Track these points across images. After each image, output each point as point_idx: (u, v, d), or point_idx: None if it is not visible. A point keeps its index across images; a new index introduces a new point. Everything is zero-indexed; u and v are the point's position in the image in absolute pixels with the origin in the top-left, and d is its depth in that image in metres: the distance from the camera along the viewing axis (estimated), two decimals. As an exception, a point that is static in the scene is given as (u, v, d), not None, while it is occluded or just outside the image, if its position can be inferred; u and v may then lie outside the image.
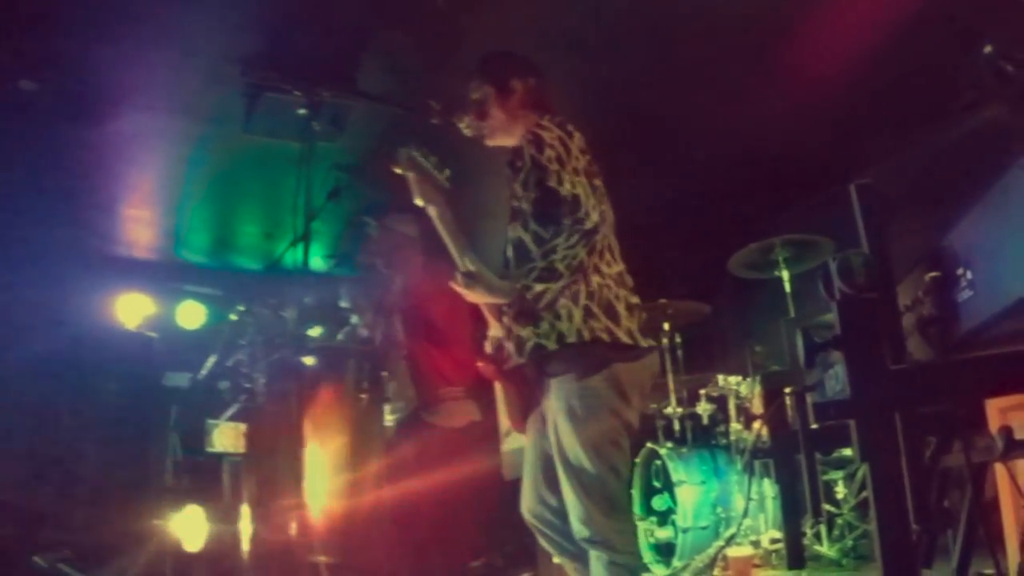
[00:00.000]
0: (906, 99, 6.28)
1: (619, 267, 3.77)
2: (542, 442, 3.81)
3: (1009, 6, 4.85)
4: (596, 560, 3.62)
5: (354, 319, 5.92)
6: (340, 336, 5.88)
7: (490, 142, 4.01)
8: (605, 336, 3.57)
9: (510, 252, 3.76)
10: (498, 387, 4.09)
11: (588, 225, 3.53)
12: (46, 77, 5.59)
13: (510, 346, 3.68)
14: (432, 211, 3.94)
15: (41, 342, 7.02)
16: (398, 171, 4.03)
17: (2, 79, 5.50)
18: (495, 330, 3.84)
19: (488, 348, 3.90)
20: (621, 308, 3.65)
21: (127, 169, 7.14)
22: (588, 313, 3.58)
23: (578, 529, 3.61)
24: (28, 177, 6.64)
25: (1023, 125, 1.67)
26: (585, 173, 3.61)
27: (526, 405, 3.82)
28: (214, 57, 5.60)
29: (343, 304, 5.93)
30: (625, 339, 3.60)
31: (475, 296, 3.72)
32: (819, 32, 5.52)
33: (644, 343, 3.67)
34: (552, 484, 3.72)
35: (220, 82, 5.80)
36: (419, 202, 3.96)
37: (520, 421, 3.85)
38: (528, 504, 3.86)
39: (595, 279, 3.64)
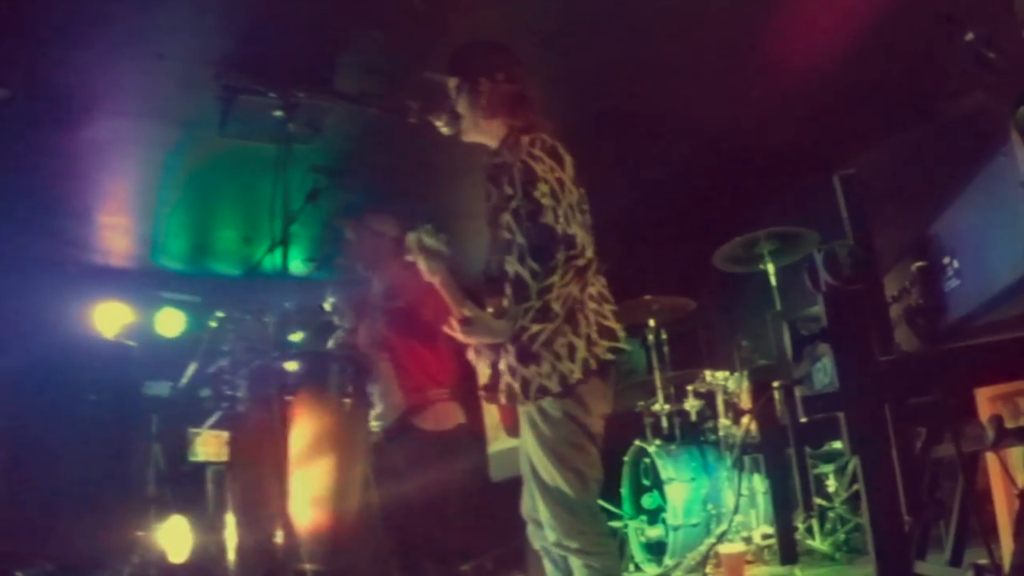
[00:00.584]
0: (889, 88, 6.30)
1: (601, 282, 3.80)
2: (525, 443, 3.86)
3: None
4: (573, 564, 3.67)
5: (336, 323, 5.90)
6: (330, 343, 5.87)
7: (466, 139, 4.01)
8: (610, 356, 3.65)
9: (508, 288, 3.75)
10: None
11: (582, 262, 3.55)
12: (17, 84, 5.56)
13: (516, 386, 3.67)
14: (437, 280, 3.92)
15: (17, 354, 6.99)
16: (409, 259, 4.04)
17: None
18: (481, 375, 3.86)
19: (483, 379, 3.90)
20: (613, 323, 3.72)
21: (102, 176, 7.11)
22: (590, 342, 3.62)
23: (549, 535, 3.66)
24: (1, 187, 6.61)
25: (1006, 112, 1.68)
26: (579, 208, 3.63)
27: (515, 415, 3.85)
28: (188, 60, 5.58)
29: (326, 307, 5.91)
30: (625, 347, 3.71)
31: (473, 339, 3.73)
32: (799, 22, 5.54)
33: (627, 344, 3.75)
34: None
35: (194, 85, 5.78)
36: (427, 277, 3.95)
37: (513, 425, 3.88)
38: (525, 504, 3.92)
39: (591, 305, 3.67)
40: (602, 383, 3.70)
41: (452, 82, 3.95)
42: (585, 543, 3.63)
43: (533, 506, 3.83)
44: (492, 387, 3.82)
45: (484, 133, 3.92)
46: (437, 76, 3.98)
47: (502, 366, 3.73)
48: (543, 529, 3.76)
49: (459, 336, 3.71)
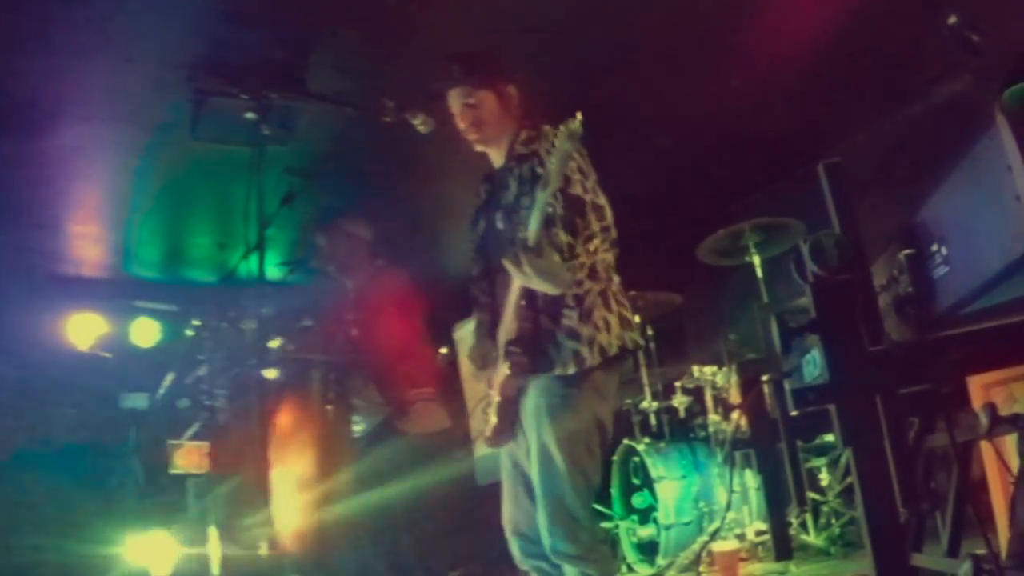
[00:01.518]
0: (872, 75, 6.32)
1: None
2: (517, 454, 3.86)
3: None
4: (568, 572, 3.68)
5: (313, 327, 5.91)
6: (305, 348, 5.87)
7: (481, 143, 4.02)
8: (630, 344, 3.79)
9: (556, 256, 3.75)
10: (471, 393, 4.11)
11: (614, 234, 3.76)
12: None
13: (583, 350, 3.68)
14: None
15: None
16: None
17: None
18: (507, 331, 3.82)
19: (502, 352, 3.87)
20: (630, 313, 3.86)
21: (70, 184, 7.08)
22: (623, 321, 3.76)
23: (545, 539, 3.67)
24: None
25: (991, 94, 1.69)
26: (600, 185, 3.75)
27: (510, 421, 3.85)
28: (157, 63, 5.56)
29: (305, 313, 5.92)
30: (640, 342, 3.92)
31: (532, 275, 3.57)
32: (781, 10, 5.55)
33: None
34: (529, 495, 3.77)
35: (164, 88, 5.76)
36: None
37: (507, 434, 3.87)
38: (507, 516, 3.92)
39: (615, 282, 3.81)
40: (618, 376, 3.82)
41: (482, 94, 3.97)
42: (583, 550, 3.65)
43: (522, 518, 3.84)
44: (522, 349, 3.77)
45: (505, 135, 3.97)
46: (466, 88, 3.98)
47: (560, 332, 3.71)
48: (535, 545, 3.77)
49: (522, 268, 3.57)
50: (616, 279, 3.84)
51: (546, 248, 3.58)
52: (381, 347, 5.47)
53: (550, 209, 3.67)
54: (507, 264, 3.62)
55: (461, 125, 3.98)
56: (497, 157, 4.04)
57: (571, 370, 3.65)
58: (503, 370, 3.78)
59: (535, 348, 3.73)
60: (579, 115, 3.45)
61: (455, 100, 3.99)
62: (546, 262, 3.58)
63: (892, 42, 5.94)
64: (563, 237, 3.63)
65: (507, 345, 3.77)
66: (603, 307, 3.70)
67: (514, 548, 3.91)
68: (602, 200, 3.75)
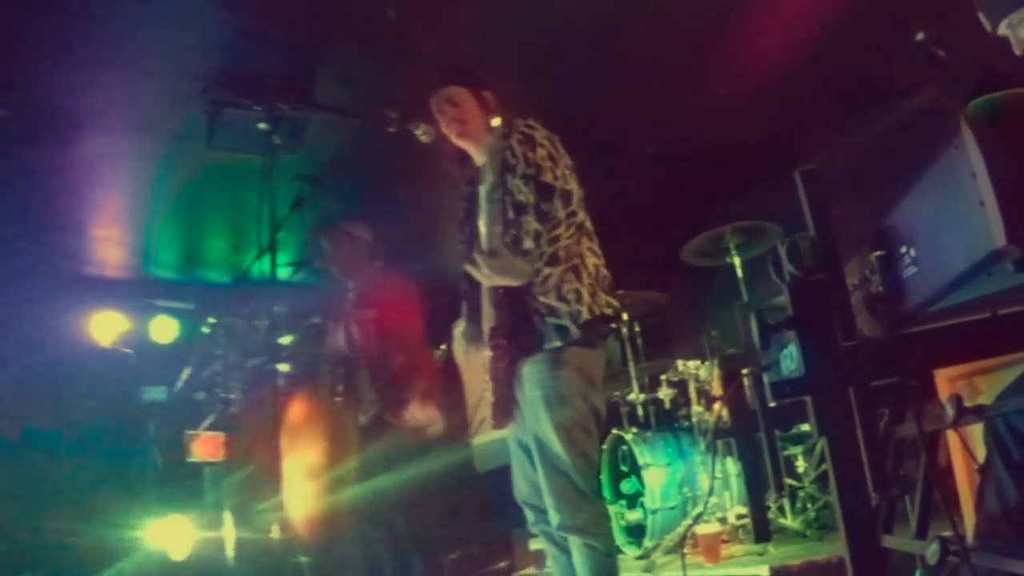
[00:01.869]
0: (845, 87, 6.33)
1: (597, 245, 3.94)
2: (519, 434, 3.88)
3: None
4: (573, 544, 3.71)
5: (321, 325, 5.90)
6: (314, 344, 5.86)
7: (460, 143, 4.07)
8: (609, 310, 3.85)
9: (527, 240, 3.79)
10: (469, 384, 4.12)
11: (580, 219, 3.84)
12: (11, 104, 5.53)
13: (541, 328, 3.76)
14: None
15: (18, 364, 6.96)
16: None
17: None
18: (488, 320, 3.85)
19: (486, 339, 3.91)
20: (610, 280, 3.94)
21: (94, 190, 7.08)
22: (594, 290, 3.77)
23: (553, 517, 3.69)
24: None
25: (957, 107, 1.69)
26: (573, 170, 3.81)
27: (509, 399, 3.86)
28: (174, 77, 5.56)
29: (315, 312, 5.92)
30: (618, 308, 3.92)
31: (493, 277, 3.72)
32: (759, 26, 5.55)
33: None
34: (536, 469, 3.79)
35: (181, 100, 5.75)
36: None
37: (503, 417, 3.87)
38: (519, 491, 3.96)
39: (591, 260, 3.85)
40: (602, 354, 3.90)
41: (462, 93, 4.04)
42: (588, 523, 3.69)
43: (531, 492, 3.86)
44: (503, 336, 3.81)
45: (483, 134, 4.02)
46: (450, 89, 4.04)
47: (538, 314, 3.76)
48: (544, 514, 3.79)
49: (482, 271, 3.68)
50: (590, 254, 3.89)
51: (501, 248, 3.68)
52: (379, 345, 5.47)
53: (521, 197, 3.73)
54: (468, 268, 3.78)
55: (443, 120, 4.06)
56: (478, 156, 4.10)
57: (554, 343, 3.70)
58: (487, 355, 3.82)
59: (514, 332, 3.78)
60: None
61: (440, 101, 4.07)
62: (502, 261, 3.66)
63: (864, 57, 5.96)
64: (533, 225, 3.70)
65: (490, 332, 3.81)
66: (574, 280, 3.75)
67: (528, 516, 3.96)
68: (571, 186, 3.83)
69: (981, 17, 2.89)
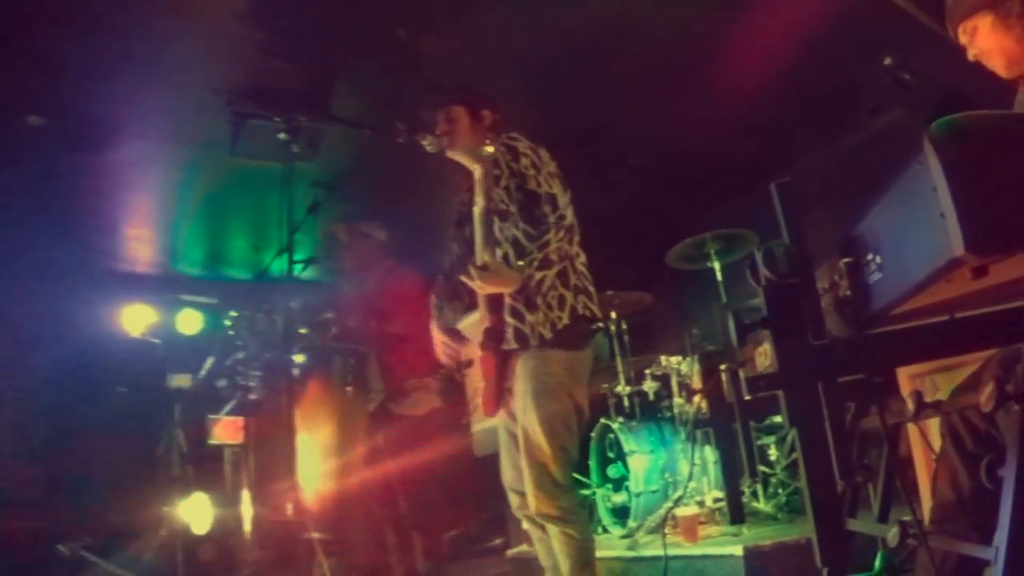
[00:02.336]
0: (819, 106, 6.34)
1: (583, 254, 3.92)
2: (509, 424, 3.88)
3: (904, 23, 4.91)
4: (551, 531, 3.71)
5: (334, 319, 5.90)
6: (327, 337, 5.85)
7: (451, 155, 4.06)
8: (589, 312, 3.83)
9: (508, 249, 3.80)
10: (469, 375, 4.12)
11: (569, 220, 3.78)
12: (51, 112, 5.54)
13: (525, 330, 3.75)
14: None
15: (56, 351, 6.96)
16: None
17: (13, 115, 5.45)
18: (484, 321, 3.86)
19: (473, 337, 3.93)
20: (593, 288, 3.93)
21: (127, 193, 7.09)
22: (577, 291, 3.76)
23: (531, 503, 3.69)
24: (39, 203, 6.57)
25: (920, 126, 1.69)
26: (557, 176, 3.78)
27: (498, 392, 3.86)
28: (201, 89, 5.57)
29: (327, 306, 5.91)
30: (599, 313, 3.92)
31: (486, 286, 3.73)
32: (739, 48, 5.55)
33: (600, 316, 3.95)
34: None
35: (207, 112, 5.76)
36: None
37: (492, 407, 3.88)
38: (506, 477, 3.95)
39: (579, 263, 3.81)
40: (589, 355, 3.90)
41: (458, 110, 4.03)
42: (563, 512, 3.68)
43: (517, 477, 3.86)
44: (494, 338, 3.82)
45: (475, 149, 3.99)
46: (450, 107, 4.03)
47: (508, 316, 3.76)
48: (526, 499, 3.79)
49: (476, 283, 3.71)
50: (577, 257, 3.89)
51: (492, 261, 3.74)
52: (387, 337, 5.46)
53: (503, 206, 3.74)
54: (464, 280, 3.78)
55: (439, 134, 4.04)
56: (472, 169, 4.08)
57: (533, 343, 3.70)
58: (478, 351, 3.84)
59: (504, 332, 3.78)
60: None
61: (438, 117, 4.07)
62: (494, 274, 3.68)
63: (836, 79, 5.96)
64: (515, 233, 3.71)
65: (484, 332, 3.83)
66: (561, 286, 3.75)
67: (512, 501, 3.95)
68: (555, 190, 3.80)
69: (947, 26, 2.90)
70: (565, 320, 3.72)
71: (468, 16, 5.27)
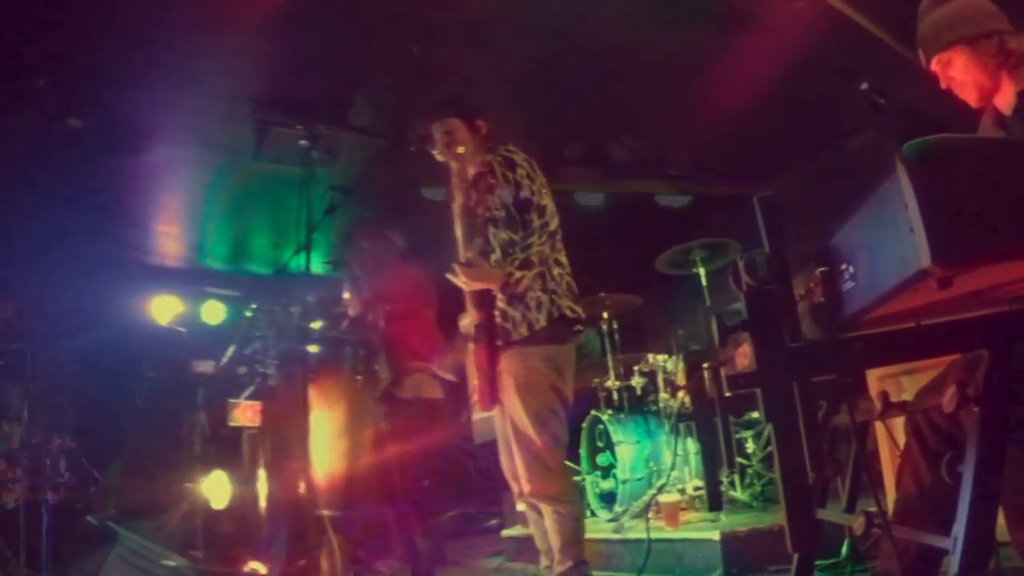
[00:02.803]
0: (799, 128, 6.34)
1: (565, 258, 3.91)
2: (503, 414, 3.88)
3: (880, 51, 4.92)
4: (544, 510, 3.71)
5: (348, 312, 5.89)
6: (340, 329, 5.85)
7: (453, 164, 4.05)
8: (569, 312, 3.81)
9: (497, 250, 3.81)
10: (470, 368, 4.11)
11: (552, 227, 3.79)
12: (90, 116, 5.54)
13: (508, 326, 3.78)
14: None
15: (90, 338, 6.96)
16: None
17: (55, 117, 5.46)
18: (472, 318, 3.85)
19: (470, 333, 3.92)
20: (574, 289, 3.89)
21: (158, 193, 7.10)
22: (554, 295, 3.76)
23: (526, 486, 3.69)
24: (77, 200, 6.58)
25: (892, 147, 1.70)
26: (546, 187, 3.79)
27: (491, 386, 3.85)
28: (229, 99, 5.58)
29: (343, 297, 5.89)
30: (581, 315, 3.87)
31: (470, 283, 3.74)
32: (727, 74, 5.55)
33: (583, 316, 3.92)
34: None
35: (234, 119, 5.78)
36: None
37: (487, 401, 3.87)
38: (504, 465, 3.94)
39: (556, 270, 3.82)
40: (571, 348, 3.87)
41: (455, 122, 4.01)
42: (557, 494, 3.68)
43: (512, 465, 3.86)
44: (484, 333, 3.81)
45: (476, 156, 3.97)
46: (448, 120, 4.01)
47: (495, 312, 3.77)
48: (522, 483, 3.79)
49: (460, 279, 3.72)
50: (558, 261, 3.88)
51: (476, 258, 3.76)
52: (395, 330, 5.46)
53: (497, 212, 3.75)
54: (449, 277, 3.77)
55: (439, 146, 4.02)
56: (452, 165, 4.09)
57: (515, 338, 3.71)
58: (471, 347, 3.84)
59: (492, 328, 3.79)
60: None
61: (436, 129, 4.04)
62: (477, 271, 3.70)
63: (816, 102, 5.96)
64: (505, 235, 3.72)
65: (473, 328, 3.83)
66: (539, 289, 3.76)
67: (513, 487, 3.95)
68: (545, 200, 3.81)
69: (920, 53, 2.90)
70: (542, 322, 3.73)
71: (476, 36, 5.30)
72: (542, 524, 3.83)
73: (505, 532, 6.22)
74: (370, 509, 5.48)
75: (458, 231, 3.90)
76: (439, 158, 4.06)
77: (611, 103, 6.12)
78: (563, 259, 3.93)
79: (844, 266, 2.02)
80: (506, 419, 3.81)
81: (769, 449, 5.45)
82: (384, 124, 6.06)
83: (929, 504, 2.50)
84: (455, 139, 3.97)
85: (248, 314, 6.78)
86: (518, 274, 3.68)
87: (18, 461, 5.59)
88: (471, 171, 3.97)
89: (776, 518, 4.68)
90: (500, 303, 3.77)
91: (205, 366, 7.26)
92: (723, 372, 2.38)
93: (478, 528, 7.53)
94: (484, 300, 3.79)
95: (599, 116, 6.30)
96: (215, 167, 6.60)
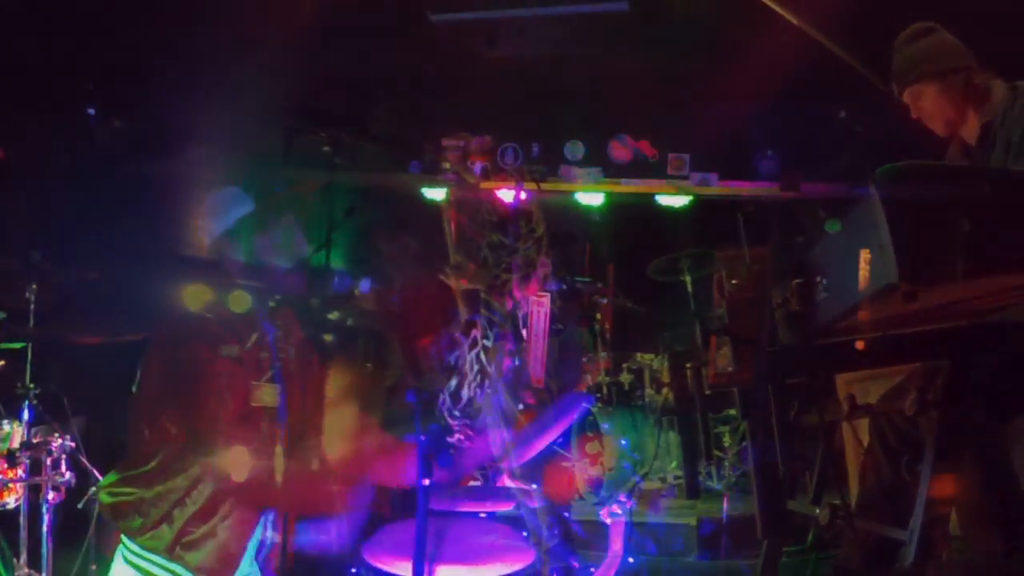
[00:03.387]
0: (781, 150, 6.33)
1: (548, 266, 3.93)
2: None
3: (858, 84, 4.93)
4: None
5: (363, 306, 5.88)
6: (351, 320, 5.84)
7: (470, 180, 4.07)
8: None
9: (487, 252, 3.81)
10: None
11: (538, 234, 3.75)
12: (132, 117, 5.56)
13: (496, 319, 3.74)
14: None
15: (129, 324, 6.95)
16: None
17: (99, 117, 5.47)
18: (466, 313, 3.87)
19: (465, 329, 3.93)
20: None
21: (193, 191, 7.10)
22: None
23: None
24: (117, 195, 6.58)
25: (867, 171, 1.70)
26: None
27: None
28: (260, 108, 5.58)
29: (357, 293, 5.89)
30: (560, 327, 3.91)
31: (460, 282, 3.75)
32: (717, 101, 5.55)
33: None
34: None
35: (265, 126, 5.78)
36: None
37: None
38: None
39: (542, 272, 3.78)
40: (554, 340, 3.86)
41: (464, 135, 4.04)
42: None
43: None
44: (473, 327, 3.83)
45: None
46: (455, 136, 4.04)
47: (483, 309, 3.79)
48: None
49: (451, 279, 3.76)
50: (542, 266, 3.88)
51: (464, 261, 3.78)
52: (409, 326, 5.46)
53: (487, 216, 3.76)
54: (441, 278, 3.82)
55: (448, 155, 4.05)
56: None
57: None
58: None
59: (479, 324, 3.81)
60: None
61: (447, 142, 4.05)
62: (465, 271, 3.70)
63: (797, 126, 5.95)
64: (494, 238, 3.73)
65: (464, 324, 3.84)
66: (523, 289, 3.77)
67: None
68: (533, 208, 3.80)
69: (894, 86, 2.90)
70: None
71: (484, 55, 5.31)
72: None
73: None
74: (378, 486, 5.49)
75: (447, 233, 3.90)
76: (445, 167, 4.08)
77: (602, 125, 6.13)
78: (548, 261, 3.93)
79: (818, 279, 2.02)
80: None
81: (744, 443, 5.45)
82: (400, 134, 6.07)
83: (889, 499, 2.50)
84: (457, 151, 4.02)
85: (272, 304, 6.78)
86: (504, 276, 3.69)
87: (19, 461, 5.53)
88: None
89: (749, 507, 4.68)
90: (490, 301, 3.77)
91: (230, 350, 7.25)
92: (704, 372, 2.38)
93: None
94: (474, 298, 3.80)
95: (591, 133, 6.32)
96: (245, 170, 6.61)
